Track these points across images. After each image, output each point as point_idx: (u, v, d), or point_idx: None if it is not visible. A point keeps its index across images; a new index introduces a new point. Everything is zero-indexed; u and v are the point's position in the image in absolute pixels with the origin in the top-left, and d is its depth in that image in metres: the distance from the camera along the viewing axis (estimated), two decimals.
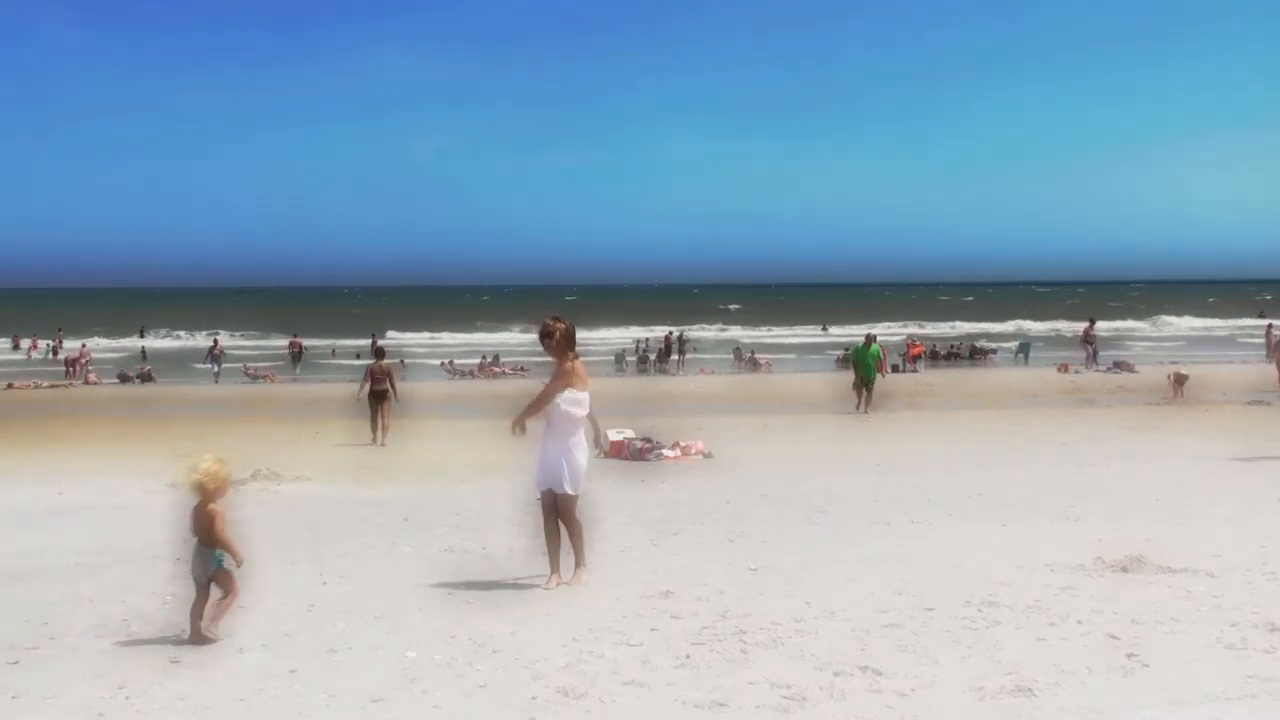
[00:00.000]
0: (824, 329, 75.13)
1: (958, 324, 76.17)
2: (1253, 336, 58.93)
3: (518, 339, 62.98)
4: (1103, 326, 70.70)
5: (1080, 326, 46.79)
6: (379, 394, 20.28)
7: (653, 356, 44.15)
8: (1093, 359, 38.15)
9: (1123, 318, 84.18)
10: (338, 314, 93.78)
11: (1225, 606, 6.87)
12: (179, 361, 49.32)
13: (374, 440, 19.91)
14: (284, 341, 50.05)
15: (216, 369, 39.43)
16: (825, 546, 9.06)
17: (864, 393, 24.85)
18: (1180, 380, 26.49)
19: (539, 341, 7.98)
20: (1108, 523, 9.87)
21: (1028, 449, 16.96)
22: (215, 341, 42.88)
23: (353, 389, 21.80)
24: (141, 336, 62.87)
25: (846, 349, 47.34)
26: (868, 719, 5.11)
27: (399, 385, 20.90)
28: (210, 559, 6.60)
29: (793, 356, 49.40)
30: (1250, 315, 77.92)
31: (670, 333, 47.29)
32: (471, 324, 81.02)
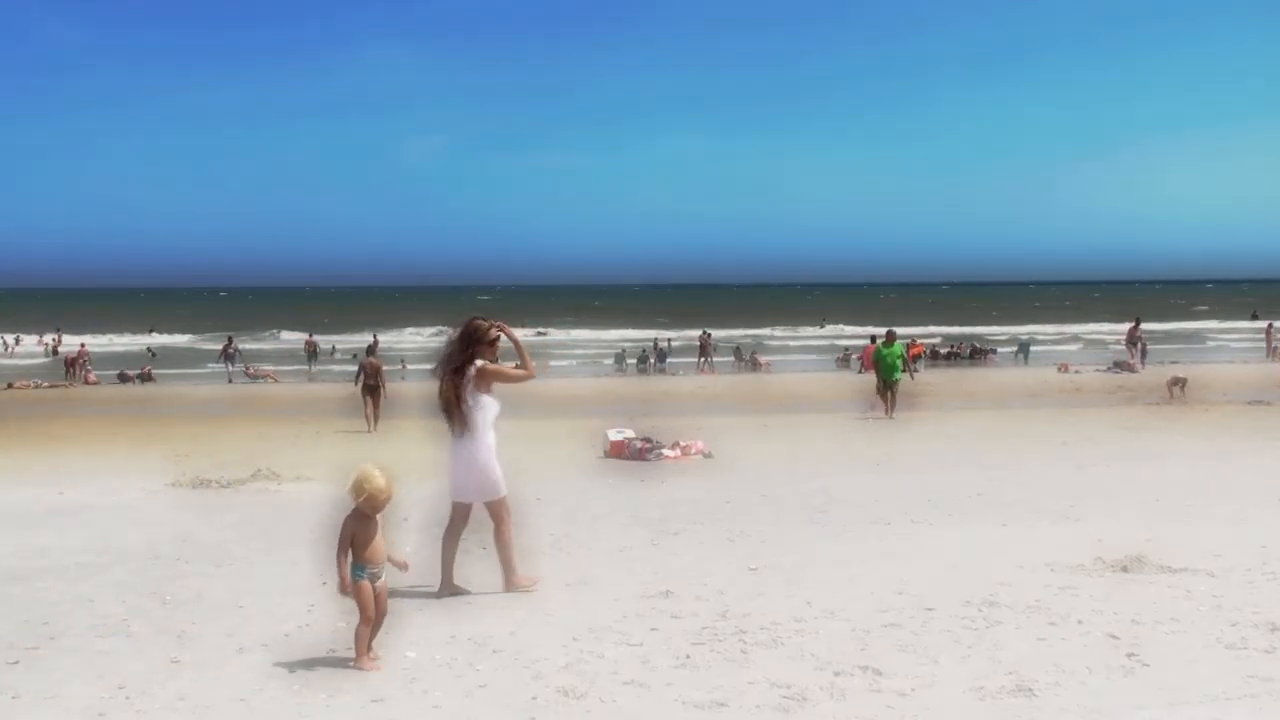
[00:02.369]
0: (821, 324, 75.32)
1: (936, 327, 75.64)
2: (1242, 338, 59.12)
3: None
4: (1097, 329, 71.04)
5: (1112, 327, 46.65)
6: (371, 387, 22.25)
7: (652, 358, 44.15)
8: (1142, 358, 37.94)
9: (1122, 320, 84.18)
10: (336, 314, 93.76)
11: (1225, 606, 6.88)
12: (178, 361, 49.34)
13: (369, 429, 21.41)
14: (266, 341, 49.77)
15: (230, 368, 39.66)
16: (825, 546, 9.06)
17: (889, 395, 23.12)
18: (1178, 383, 26.46)
19: (478, 347, 7.45)
20: (1108, 523, 9.88)
21: (1028, 449, 16.94)
22: (229, 340, 42.92)
23: (351, 387, 23.70)
24: (150, 339, 62.98)
25: (847, 349, 47.46)
26: (868, 719, 5.12)
27: (395, 384, 22.33)
28: (349, 569, 6.02)
29: (790, 358, 49.41)
30: (1243, 317, 78.10)
31: (704, 332, 47.47)
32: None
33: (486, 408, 7.48)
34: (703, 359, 43.23)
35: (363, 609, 5.99)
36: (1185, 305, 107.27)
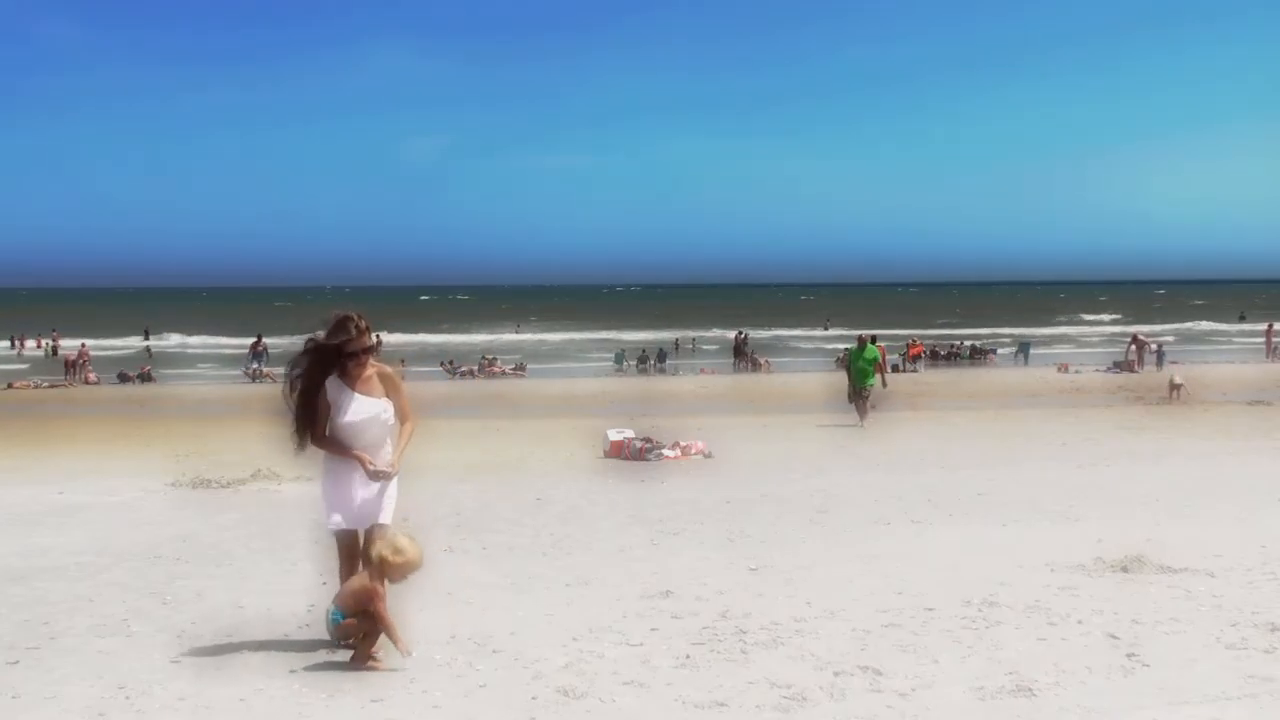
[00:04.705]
0: (825, 327, 75.29)
1: (936, 329, 75.37)
2: (1240, 338, 59.20)
3: (514, 338, 63.55)
4: (1090, 331, 71.06)
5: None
6: None
7: (652, 359, 44.22)
8: (1158, 362, 37.88)
9: (1120, 320, 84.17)
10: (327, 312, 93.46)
11: (1225, 606, 6.88)
12: (178, 362, 49.39)
13: None
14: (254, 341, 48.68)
15: (256, 365, 39.31)
16: (825, 546, 9.06)
17: (860, 402, 21.57)
18: (1178, 386, 26.46)
19: (359, 353, 6.30)
20: (1108, 523, 9.88)
21: (1028, 449, 16.95)
22: (259, 338, 42.39)
23: None
24: (146, 338, 62.89)
25: (847, 349, 47.36)
26: (868, 719, 5.11)
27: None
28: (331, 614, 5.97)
29: (791, 358, 49.44)
30: (1231, 319, 78.22)
31: (740, 333, 47.40)
32: (468, 324, 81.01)
33: (338, 426, 6.45)
34: (738, 359, 43.50)
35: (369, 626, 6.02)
36: (1184, 305, 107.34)
